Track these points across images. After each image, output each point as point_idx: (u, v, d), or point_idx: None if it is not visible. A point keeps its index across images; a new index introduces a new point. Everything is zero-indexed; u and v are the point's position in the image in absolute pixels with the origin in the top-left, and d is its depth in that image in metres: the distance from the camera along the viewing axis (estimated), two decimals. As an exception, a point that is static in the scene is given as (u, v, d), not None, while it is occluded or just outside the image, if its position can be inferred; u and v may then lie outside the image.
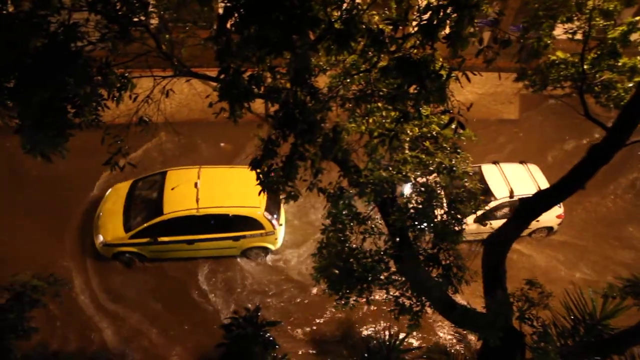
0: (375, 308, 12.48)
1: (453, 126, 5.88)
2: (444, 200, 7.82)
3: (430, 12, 5.30)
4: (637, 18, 8.03)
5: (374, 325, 12.59)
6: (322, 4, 5.09)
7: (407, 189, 7.92)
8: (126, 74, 6.19)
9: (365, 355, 9.88)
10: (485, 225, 12.40)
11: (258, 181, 6.22)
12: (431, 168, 7.42)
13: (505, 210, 13.46)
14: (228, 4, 4.98)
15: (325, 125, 5.89)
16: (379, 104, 6.44)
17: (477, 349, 10.38)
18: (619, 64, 8.13)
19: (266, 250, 13.61)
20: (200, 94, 17.19)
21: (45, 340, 11.44)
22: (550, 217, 13.41)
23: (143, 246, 12.90)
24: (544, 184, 13.53)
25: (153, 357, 11.98)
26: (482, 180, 13.61)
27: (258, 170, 6.03)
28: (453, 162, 7.46)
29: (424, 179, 7.63)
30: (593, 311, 8.57)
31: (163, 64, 6.88)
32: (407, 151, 7.29)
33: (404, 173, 7.12)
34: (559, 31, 8.20)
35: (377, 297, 8.74)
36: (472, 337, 11.07)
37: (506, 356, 8.17)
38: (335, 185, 7.43)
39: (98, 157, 6.74)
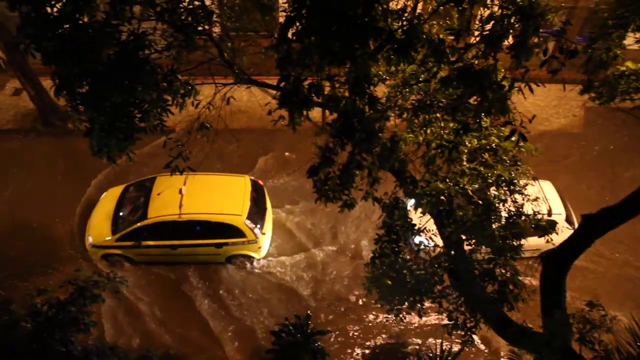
0: (427, 321, 12.27)
1: (514, 138, 5.73)
2: (503, 214, 7.61)
3: (493, 22, 5.22)
4: None
5: (425, 339, 12.36)
6: (383, 13, 5.10)
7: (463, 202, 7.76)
8: (190, 81, 6.38)
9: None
10: None
11: (315, 189, 6.26)
12: (490, 181, 7.25)
13: None
14: (290, 14, 5.07)
15: (383, 134, 5.87)
16: (438, 115, 6.37)
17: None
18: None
19: (251, 259, 13.65)
20: (259, 102, 17.63)
21: (102, 335, 11.96)
22: None
23: (128, 249, 13.15)
24: (556, 202, 13.00)
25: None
26: None
27: (315, 178, 6.07)
28: (513, 175, 7.26)
29: (482, 192, 7.46)
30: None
31: (224, 72, 7.07)
32: (465, 163, 7.15)
33: (461, 185, 6.98)
34: (629, 40, 7.86)
35: (429, 310, 8.58)
36: (528, 358, 10.69)
37: (564, 379, 7.85)
38: (391, 195, 7.38)
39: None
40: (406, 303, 7.89)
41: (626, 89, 8.20)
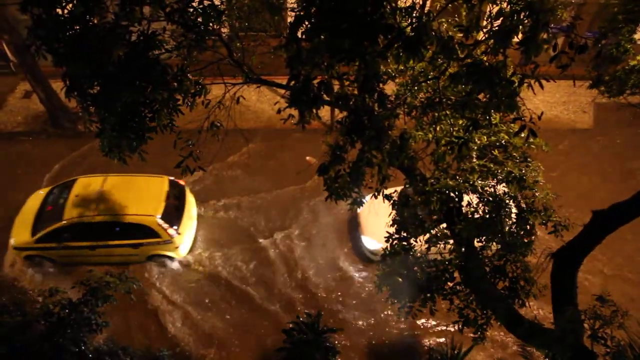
0: (438, 319, 12.26)
1: (523, 134, 5.72)
2: (513, 211, 7.59)
3: (502, 18, 5.21)
4: None
5: (436, 336, 12.34)
6: (392, 11, 5.10)
7: (474, 199, 7.75)
8: (200, 81, 6.41)
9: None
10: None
11: (325, 186, 6.27)
12: (500, 177, 7.23)
13: None
14: (299, 13, 5.09)
15: (392, 132, 5.88)
16: (447, 112, 6.36)
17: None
18: None
19: (172, 259, 13.72)
20: (269, 102, 17.61)
21: (114, 335, 12.02)
22: None
23: (49, 250, 13.28)
24: None
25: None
26: None
27: (325, 176, 6.08)
28: (523, 171, 7.24)
29: (492, 189, 7.44)
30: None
31: (234, 71, 7.10)
32: (474, 160, 7.14)
33: (471, 182, 6.97)
34: (639, 35, 7.82)
35: (440, 307, 8.57)
36: (539, 354, 10.65)
37: (576, 376, 7.81)
38: (401, 192, 7.38)
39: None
40: (417, 300, 7.89)
41: (637, 83, 8.16)
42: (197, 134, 6.95)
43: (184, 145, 6.93)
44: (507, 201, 7.39)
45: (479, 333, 7.85)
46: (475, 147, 7.09)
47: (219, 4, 6.46)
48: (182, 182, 14.54)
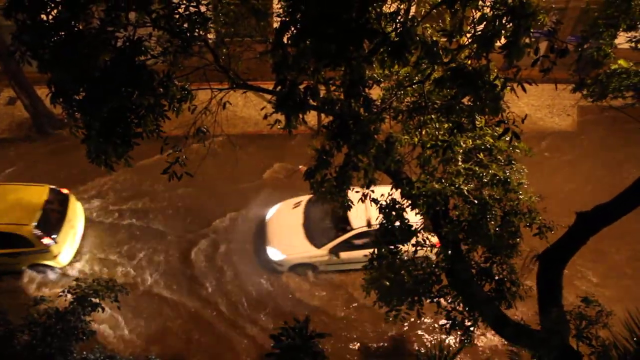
0: (426, 321, 12.31)
1: (507, 138, 5.79)
2: (498, 213, 7.65)
3: (485, 23, 5.28)
4: None
5: (424, 340, 12.39)
6: (377, 17, 5.15)
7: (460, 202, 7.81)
8: (186, 86, 6.41)
9: (414, 370, 9.73)
10: (338, 257, 12.67)
11: (311, 190, 6.30)
12: (485, 180, 7.30)
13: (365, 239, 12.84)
14: (284, 19, 5.12)
15: (378, 136, 5.92)
16: (433, 116, 6.42)
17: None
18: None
19: (52, 268, 13.48)
20: (255, 107, 17.53)
21: (101, 344, 11.90)
22: None
23: None
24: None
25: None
26: None
27: (312, 181, 6.11)
28: (507, 174, 7.31)
29: (478, 192, 7.50)
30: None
31: (220, 77, 7.11)
32: (460, 163, 7.20)
33: (456, 185, 7.03)
34: (620, 39, 7.96)
35: (428, 310, 8.61)
36: (526, 354, 10.74)
37: (563, 376, 7.88)
38: (388, 196, 7.42)
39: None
40: (405, 304, 7.92)
41: (617, 87, 8.29)
42: (184, 140, 6.96)
43: (170, 152, 6.91)
44: (492, 204, 7.46)
45: (466, 335, 7.90)
46: (461, 151, 7.15)
47: (205, 10, 6.48)
48: (65, 191, 14.28)
